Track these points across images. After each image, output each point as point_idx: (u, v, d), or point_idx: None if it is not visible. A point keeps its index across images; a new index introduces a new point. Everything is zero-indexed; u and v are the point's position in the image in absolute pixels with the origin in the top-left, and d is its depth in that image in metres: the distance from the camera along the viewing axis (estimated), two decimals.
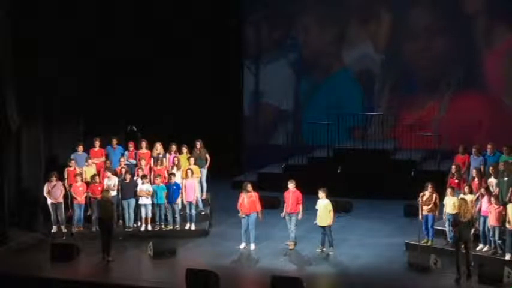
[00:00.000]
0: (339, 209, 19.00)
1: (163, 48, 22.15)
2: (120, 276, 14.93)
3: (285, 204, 16.34)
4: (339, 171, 20.47)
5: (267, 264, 15.04)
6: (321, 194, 16.05)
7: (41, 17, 17.84)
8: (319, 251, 15.93)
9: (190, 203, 17.15)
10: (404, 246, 15.88)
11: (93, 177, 17.08)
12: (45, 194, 17.06)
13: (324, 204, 15.93)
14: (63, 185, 17.20)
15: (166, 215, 17.21)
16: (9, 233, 16.93)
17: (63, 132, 18.88)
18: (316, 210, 16.01)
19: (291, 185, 16.33)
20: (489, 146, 16.77)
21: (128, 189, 17.06)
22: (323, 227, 15.94)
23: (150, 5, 21.65)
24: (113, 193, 16.80)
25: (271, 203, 19.44)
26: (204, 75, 22.95)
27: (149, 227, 17.13)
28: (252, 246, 16.13)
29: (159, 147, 18.31)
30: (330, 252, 15.84)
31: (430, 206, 15.45)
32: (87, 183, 17.23)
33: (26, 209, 17.74)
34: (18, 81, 17.32)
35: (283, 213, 16.32)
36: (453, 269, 14.32)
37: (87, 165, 17.79)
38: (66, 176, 17.42)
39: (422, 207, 15.56)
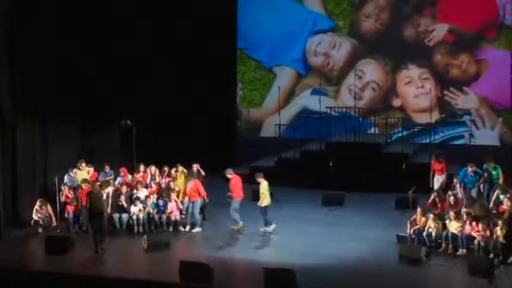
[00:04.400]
0: (331, 202, 19.16)
1: (162, 48, 22.17)
2: (114, 269, 14.95)
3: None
4: (331, 165, 20.52)
5: (260, 256, 15.07)
6: (259, 178, 16.84)
7: (41, 17, 17.82)
8: (268, 229, 16.62)
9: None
10: (396, 238, 15.94)
11: (83, 181, 17.05)
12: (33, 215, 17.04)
13: (265, 187, 16.70)
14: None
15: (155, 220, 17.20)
16: (4, 227, 16.95)
17: (59, 130, 18.85)
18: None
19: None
20: (470, 169, 16.80)
21: (119, 207, 17.13)
22: (265, 207, 16.66)
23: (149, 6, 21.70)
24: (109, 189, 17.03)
25: None
26: (199, 71, 22.98)
27: (141, 229, 16.95)
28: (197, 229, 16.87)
29: (153, 171, 18.29)
30: (264, 229, 16.58)
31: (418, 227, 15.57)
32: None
33: (22, 203, 17.71)
34: (15, 80, 17.32)
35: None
36: (443, 261, 14.50)
37: (80, 169, 17.91)
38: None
39: (411, 226, 15.59)
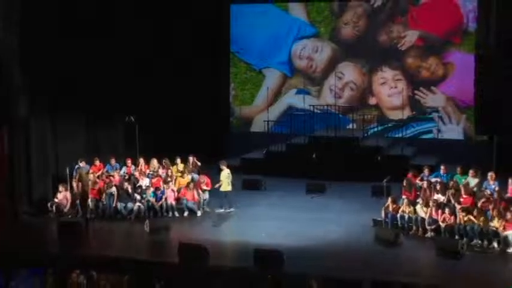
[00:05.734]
0: (314, 190, 19.20)
1: (162, 53, 22.12)
2: (120, 250, 14.94)
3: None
4: (314, 157, 20.55)
5: (251, 238, 15.07)
6: (222, 166, 17.13)
7: (49, 20, 17.72)
8: (222, 210, 17.00)
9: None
10: (372, 222, 16.00)
11: (94, 183, 17.18)
12: (55, 199, 17.13)
13: (224, 174, 16.93)
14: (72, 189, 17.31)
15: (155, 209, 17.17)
16: (21, 212, 16.90)
17: (68, 126, 18.81)
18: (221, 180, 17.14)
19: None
20: (442, 167, 16.80)
21: (124, 195, 17.10)
22: (225, 192, 16.91)
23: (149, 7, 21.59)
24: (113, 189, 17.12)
25: (254, 185, 19.56)
26: (196, 73, 22.94)
27: (142, 215, 16.91)
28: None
29: (155, 163, 18.29)
30: (230, 211, 17.01)
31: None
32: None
33: (36, 189, 17.67)
34: (27, 80, 17.25)
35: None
36: (412, 243, 14.58)
37: (96, 165, 18.05)
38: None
39: (385, 212, 15.71)
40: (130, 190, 17.13)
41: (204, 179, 17.55)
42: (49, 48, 17.69)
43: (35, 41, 17.34)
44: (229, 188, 17.16)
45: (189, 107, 22.62)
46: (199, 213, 17.15)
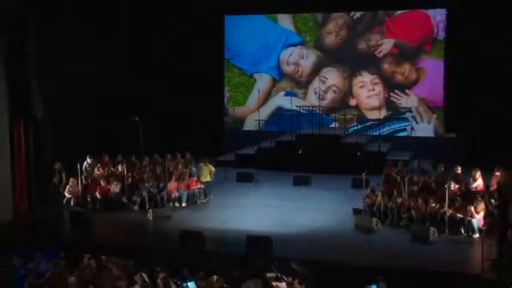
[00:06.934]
0: (300, 182, 19.24)
1: (164, 57, 22.10)
2: (126, 237, 14.94)
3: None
4: (300, 152, 20.61)
5: (244, 225, 15.11)
6: (202, 163, 17.63)
7: (61, 19, 17.69)
8: (209, 198, 17.40)
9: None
10: (352, 211, 16.07)
11: (101, 177, 17.17)
12: (65, 193, 17.00)
13: (206, 169, 17.50)
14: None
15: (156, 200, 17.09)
16: (34, 205, 16.86)
17: (77, 122, 18.76)
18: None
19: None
20: (416, 162, 17.14)
21: (129, 187, 17.05)
22: (204, 182, 17.45)
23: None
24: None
25: (247, 178, 19.58)
26: (195, 76, 22.93)
27: (146, 205, 16.84)
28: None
29: (156, 158, 18.30)
30: (210, 198, 17.40)
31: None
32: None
33: (48, 186, 17.61)
34: (43, 84, 17.22)
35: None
36: (388, 230, 14.64)
37: (103, 161, 17.95)
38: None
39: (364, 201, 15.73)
40: (134, 183, 17.11)
41: (198, 183, 17.54)
42: (60, 52, 17.66)
43: (49, 46, 17.29)
44: (208, 179, 17.52)
45: (188, 108, 22.63)
46: (184, 204, 17.00)
